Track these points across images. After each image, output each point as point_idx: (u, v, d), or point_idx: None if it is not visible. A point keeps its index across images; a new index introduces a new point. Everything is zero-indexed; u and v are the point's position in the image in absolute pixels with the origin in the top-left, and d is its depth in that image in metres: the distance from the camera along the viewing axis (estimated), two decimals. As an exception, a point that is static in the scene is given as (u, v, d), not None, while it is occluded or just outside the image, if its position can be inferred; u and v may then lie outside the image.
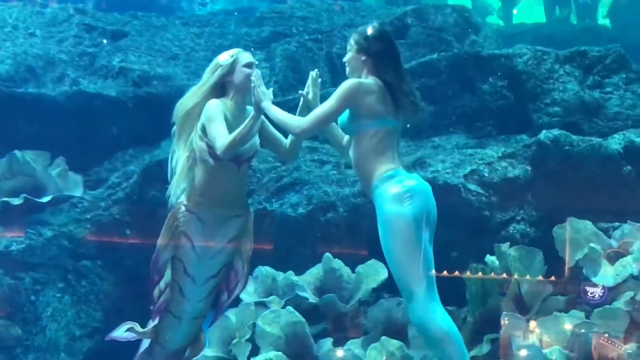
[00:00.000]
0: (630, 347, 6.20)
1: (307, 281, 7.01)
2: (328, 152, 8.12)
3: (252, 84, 5.29)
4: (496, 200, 7.18)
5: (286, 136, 5.52)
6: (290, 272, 7.02)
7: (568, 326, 6.37)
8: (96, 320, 7.77)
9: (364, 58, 5.26)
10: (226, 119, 5.24)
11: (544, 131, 7.30)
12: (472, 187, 7.19)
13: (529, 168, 7.20)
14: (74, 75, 8.82)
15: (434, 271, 5.42)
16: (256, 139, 5.47)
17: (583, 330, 6.31)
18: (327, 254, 7.06)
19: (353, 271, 7.03)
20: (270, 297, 6.93)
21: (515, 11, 12.96)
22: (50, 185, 8.07)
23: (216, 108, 5.28)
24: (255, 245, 6.84)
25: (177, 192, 5.56)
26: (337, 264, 7.05)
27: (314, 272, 7.08)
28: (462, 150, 7.70)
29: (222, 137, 5.10)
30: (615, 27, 12.28)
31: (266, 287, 7.06)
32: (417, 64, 8.48)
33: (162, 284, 5.77)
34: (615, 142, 7.14)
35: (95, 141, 8.43)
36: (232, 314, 6.89)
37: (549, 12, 12.88)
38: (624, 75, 7.99)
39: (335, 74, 8.87)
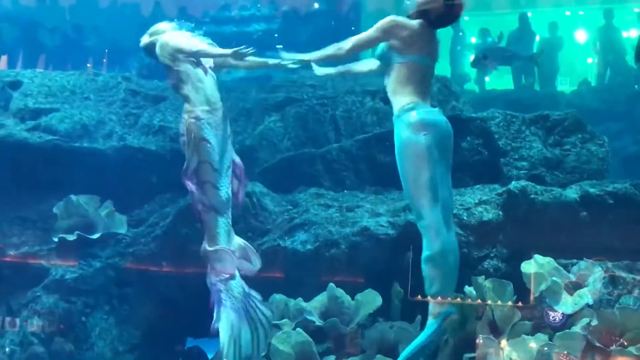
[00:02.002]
0: (586, 364, 6.32)
1: (314, 307, 7.03)
2: (332, 198, 8.14)
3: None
4: (473, 239, 7.16)
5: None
6: (300, 299, 7.04)
7: (534, 346, 6.36)
8: (136, 337, 7.82)
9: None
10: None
11: (513, 182, 7.36)
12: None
13: (500, 213, 7.20)
14: (121, 132, 8.84)
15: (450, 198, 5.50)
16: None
17: (546, 349, 6.30)
18: (331, 284, 7.07)
19: (353, 298, 7.01)
20: (283, 320, 6.93)
21: (487, 79, 12.84)
22: (99, 224, 8.09)
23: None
24: (270, 276, 7.20)
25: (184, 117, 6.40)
26: (339, 292, 7.04)
27: (320, 299, 7.07)
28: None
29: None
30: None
31: (279, 311, 7.04)
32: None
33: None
34: (573, 192, 7.19)
35: (138, 187, 8.43)
36: (251, 334, 6.99)
37: (516, 80, 12.77)
38: (580, 136, 7.99)
39: (339, 132, 9.00)
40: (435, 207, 5.43)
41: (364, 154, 8.43)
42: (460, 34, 12.80)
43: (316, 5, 13.07)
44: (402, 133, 5.31)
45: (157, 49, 6.30)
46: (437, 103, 8.96)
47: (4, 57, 12.42)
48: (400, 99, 5.31)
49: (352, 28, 13.04)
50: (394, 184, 7.94)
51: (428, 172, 5.32)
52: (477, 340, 6.52)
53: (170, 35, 6.34)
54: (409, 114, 5.24)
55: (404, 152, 5.31)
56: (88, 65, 12.28)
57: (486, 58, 10.47)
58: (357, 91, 9.23)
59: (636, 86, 11.20)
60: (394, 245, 7.29)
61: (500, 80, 12.73)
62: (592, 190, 7.14)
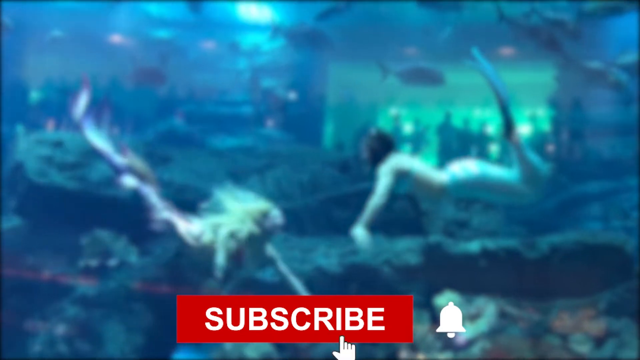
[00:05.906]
0: (482, 377, 6.14)
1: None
2: (296, 242, 7.81)
3: None
4: (400, 278, 7.08)
5: None
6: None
7: (442, 360, 6.26)
8: (139, 343, 7.42)
9: None
10: None
11: (431, 236, 7.34)
12: (386, 269, 7.12)
13: (422, 258, 7.12)
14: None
15: None
16: None
17: (453, 365, 6.22)
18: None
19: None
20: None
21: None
22: (116, 253, 7.86)
23: None
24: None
25: None
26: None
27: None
28: (381, 245, 7.44)
29: None
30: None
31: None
32: (354, 190, 8.26)
33: None
34: (474, 245, 7.12)
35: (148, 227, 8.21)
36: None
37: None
38: (481, 206, 8.00)
39: (304, 192, 8.82)
40: None
41: (322, 209, 8.32)
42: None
43: (292, 97, 13.02)
44: None
45: None
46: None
47: (51, 121, 12.02)
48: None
49: (317, 117, 13.03)
50: (344, 232, 8.03)
51: None
52: (401, 355, 6.48)
53: None
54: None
55: None
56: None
57: None
58: (319, 162, 9.17)
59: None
60: (341, 279, 7.15)
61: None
62: (490, 246, 7.11)
